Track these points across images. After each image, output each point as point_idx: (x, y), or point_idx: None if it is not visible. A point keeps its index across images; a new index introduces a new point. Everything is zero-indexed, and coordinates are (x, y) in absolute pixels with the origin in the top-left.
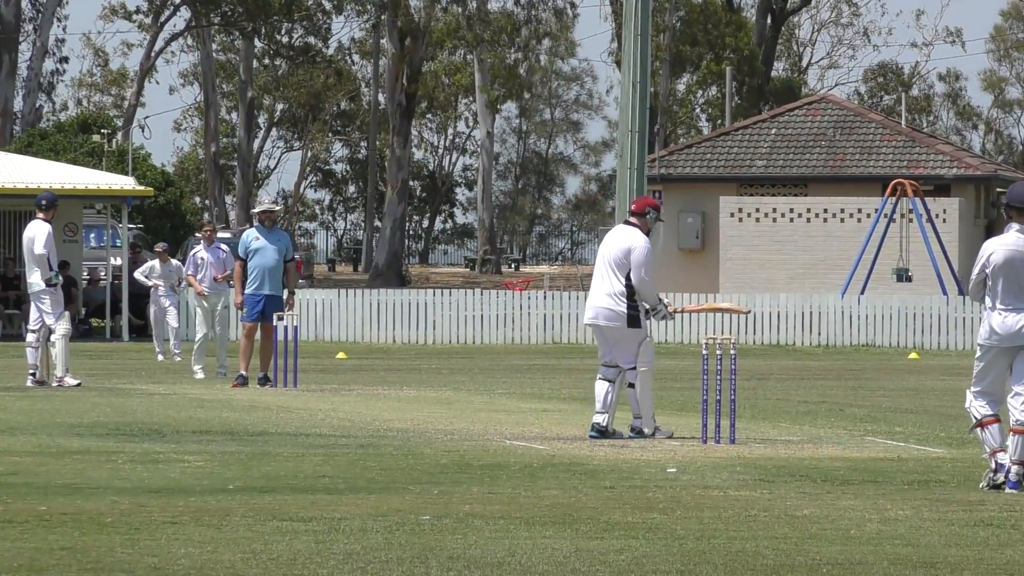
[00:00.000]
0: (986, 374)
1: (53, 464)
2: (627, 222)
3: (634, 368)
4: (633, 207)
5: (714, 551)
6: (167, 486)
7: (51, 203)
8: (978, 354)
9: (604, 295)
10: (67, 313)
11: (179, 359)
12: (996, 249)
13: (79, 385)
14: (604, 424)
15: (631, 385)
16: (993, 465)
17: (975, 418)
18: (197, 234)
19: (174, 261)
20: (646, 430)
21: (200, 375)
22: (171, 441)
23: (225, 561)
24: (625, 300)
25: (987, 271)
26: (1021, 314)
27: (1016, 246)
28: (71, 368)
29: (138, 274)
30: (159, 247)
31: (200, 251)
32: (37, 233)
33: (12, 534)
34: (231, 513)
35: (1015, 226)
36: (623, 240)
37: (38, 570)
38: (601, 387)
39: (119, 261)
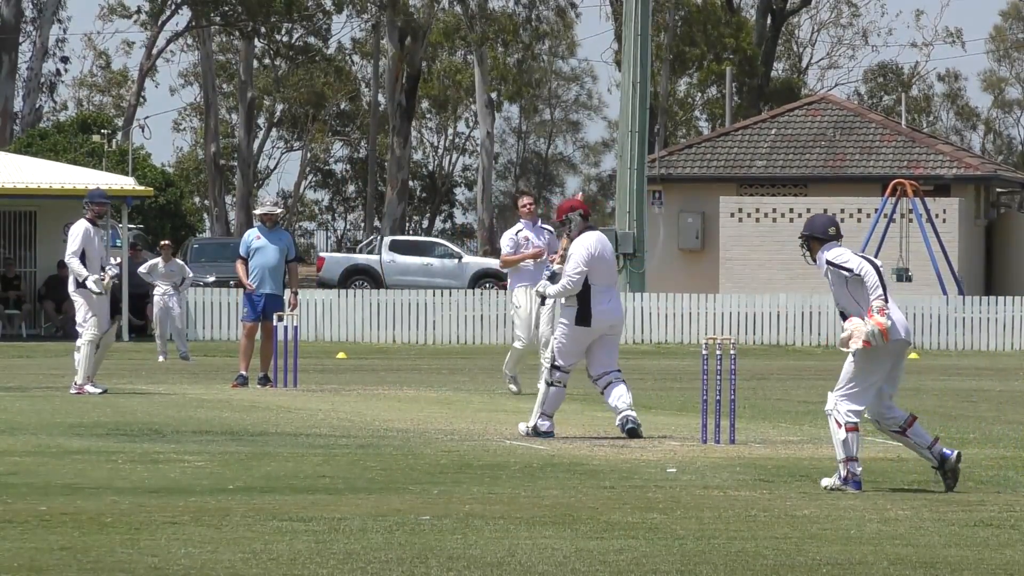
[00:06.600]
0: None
1: (53, 464)
2: (590, 226)
3: (618, 371)
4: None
5: (714, 551)
6: (167, 486)
7: (89, 201)
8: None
9: (617, 298)
10: (97, 318)
11: (190, 360)
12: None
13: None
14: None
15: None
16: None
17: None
18: (521, 220)
19: (177, 260)
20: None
21: (514, 388)
22: (171, 441)
23: (225, 561)
24: None
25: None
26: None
27: None
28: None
29: (141, 270)
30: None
31: (523, 230)
32: (70, 234)
33: (12, 534)
34: (231, 513)
35: None
36: (608, 244)
37: (38, 570)
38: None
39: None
